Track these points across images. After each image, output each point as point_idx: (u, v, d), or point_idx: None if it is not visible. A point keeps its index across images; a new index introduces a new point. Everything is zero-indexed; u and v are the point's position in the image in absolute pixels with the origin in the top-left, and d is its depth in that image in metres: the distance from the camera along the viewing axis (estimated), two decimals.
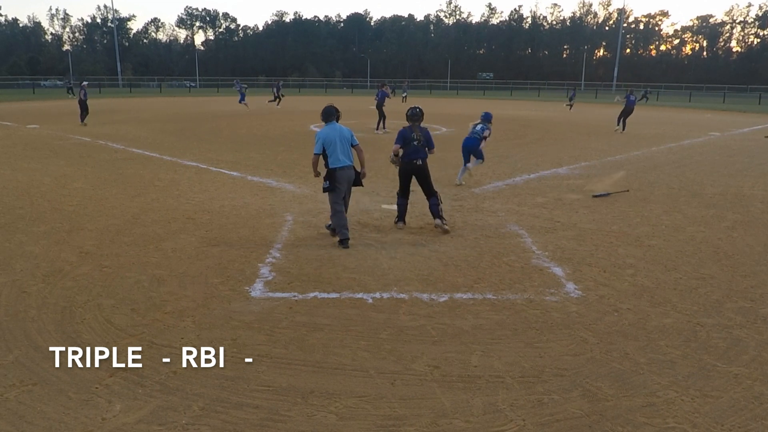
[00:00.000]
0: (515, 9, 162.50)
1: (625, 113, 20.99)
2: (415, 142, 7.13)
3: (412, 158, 7.12)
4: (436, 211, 7.20)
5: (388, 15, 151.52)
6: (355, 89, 79.82)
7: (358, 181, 6.63)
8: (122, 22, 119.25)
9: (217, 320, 4.54)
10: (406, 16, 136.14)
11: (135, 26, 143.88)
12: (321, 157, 6.47)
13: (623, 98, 21.58)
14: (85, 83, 22.59)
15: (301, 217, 7.88)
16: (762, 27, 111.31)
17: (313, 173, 6.72)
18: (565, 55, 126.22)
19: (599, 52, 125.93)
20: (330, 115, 6.54)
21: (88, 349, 3.96)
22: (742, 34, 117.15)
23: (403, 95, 42.80)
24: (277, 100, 35.65)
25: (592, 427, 3.21)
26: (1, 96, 42.70)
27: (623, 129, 21.07)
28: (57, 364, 3.82)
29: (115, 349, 4.03)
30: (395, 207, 7.64)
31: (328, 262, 5.98)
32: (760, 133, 22.41)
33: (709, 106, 44.10)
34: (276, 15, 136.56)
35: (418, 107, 7.44)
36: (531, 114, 31.80)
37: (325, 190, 6.45)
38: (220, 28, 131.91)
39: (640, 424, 3.24)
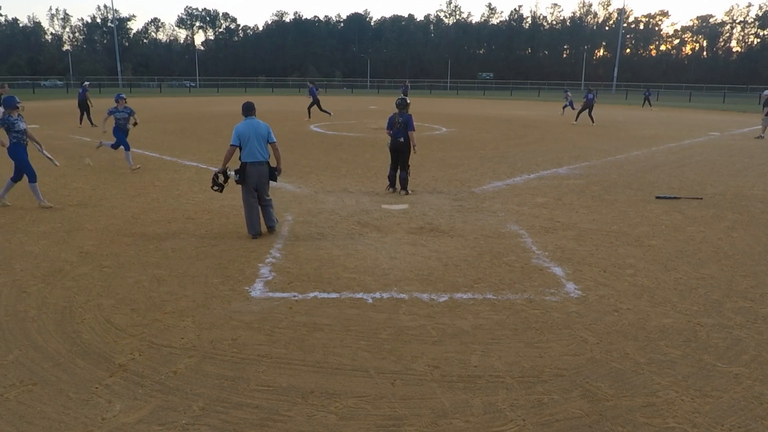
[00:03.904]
0: (515, 9, 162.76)
1: (586, 108, 24.55)
2: (397, 125, 9.26)
3: (396, 137, 9.31)
4: (403, 183, 9.52)
5: (388, 15, 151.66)
6: (355, 89, 79.82)
7: (272, 176, 6.81)
8: (122, 22, 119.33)
9: (217, 320, 4.54)
10: (406, 16, 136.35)
11: (135, 26, 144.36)
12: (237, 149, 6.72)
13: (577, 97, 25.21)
14: (86, 83, 22.45)
15: (301, 217, 7.88)
16: (762, 27, 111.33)
17: (222, 164, 6.92)
18: (565, 55, 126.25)
19: (599, 52, 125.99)
20: (249, 109, 6.72)
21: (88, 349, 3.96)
22: (742, 34, 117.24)
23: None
24: None
25: (592, 427, 3.21)
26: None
27: (592, 122, 24.39)
28: (57, 364, 3.82)
29: (115, 349, 4.04)
30: (395, 207, 8.43)
31: (328, 262, 5.98)
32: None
33: (710, 106, 44.10)
34: (276, 15, 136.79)
35: (405, 98, 9.42)
36: (531, 114, 31.79)
37: (236, 181, 6.71)
38: (220, 28, 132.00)
39: (640, 424, 3.24)
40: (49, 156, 8.52)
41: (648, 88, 49.21)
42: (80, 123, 21.13)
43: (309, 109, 24.84)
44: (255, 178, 6.63)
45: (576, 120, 24.84)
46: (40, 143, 8.43)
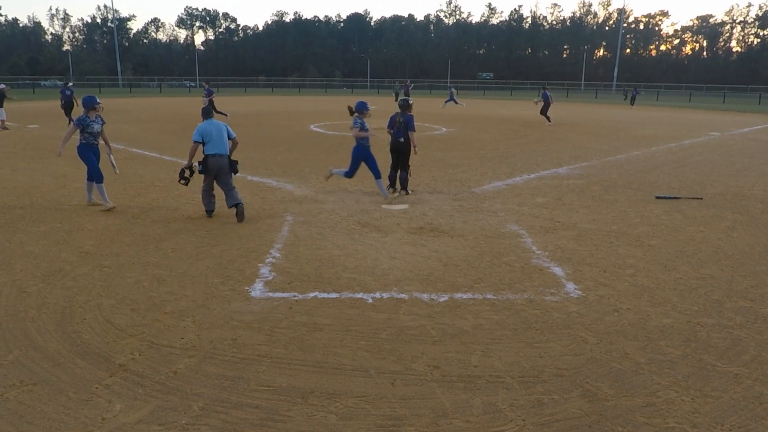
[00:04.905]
0: (515, 9, 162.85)
1: (548, 106, 24.38)
2: (398, 125, 9.24)
3: (396, 137, 9.28)
4: (403, 183, 9.47)
5: (388, 15, 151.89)
6: (355, 89, 79.85)
7: (233, 168, 7.79)
8: (122, 22, 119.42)
9: (217, 320, 4.54)
10: (406, 16, 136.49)
11: (135, 26, 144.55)
12: (201, 146, 7.64)
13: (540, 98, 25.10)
14: (70, 83, 22.58)
15: (301, 217, 7.88)
16: (762, 27, 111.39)
17: (187, 159, 7.79)
18: (565, 55, 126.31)
19: (599, 52, 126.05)
20: (208, 113, 7.88)
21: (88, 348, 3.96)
22: (742, 34, 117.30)
23: (394, 95, 44.17)
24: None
25: (592, 427, 3.21)
26: None
27: (548, 120, 24.37)
28: (57, 364, 3.82)
29: (115, 349, 4.04)
30: (395, 207, 8.54)
31: (328, 262, 5.98)
32: (760, 133, 22.43)
33: (710, 106, 44.10)
34: (276, 15, 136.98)
35: (408, 99, 9.44)
36: (531, 114, 31.78)
37: (200, 172, 7.67)
38: (220, 28, 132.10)
39: (640, 424, 3.23)
40: (114, 162, 8.51)
41: (635, 87, 49.64)
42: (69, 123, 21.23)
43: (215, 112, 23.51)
44: (215, 168, 7.58)
45: (549, 121, 24.29)
46: (110, 147, 8.44)
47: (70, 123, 20.99)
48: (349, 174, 9.08)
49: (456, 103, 35.86)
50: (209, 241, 6.70)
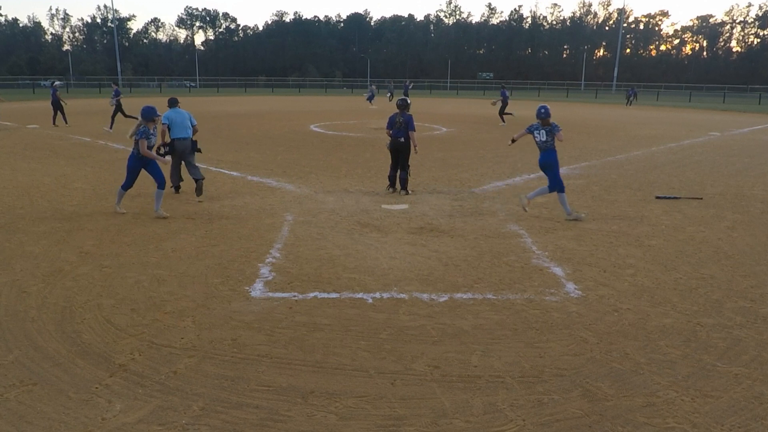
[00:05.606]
0: (515, 9, 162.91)
1: (505, 105, 24.38)
2: (398, 125, 9.33)
3: (396, 137, 9.36)
4: (403, 183, 9.55)
5: (388, 15, 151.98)
6: (355, 89, 79.85)
7: (195, 148, 9.10)
8: (122, 22, 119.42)
9: (217, 320, 4.54)
10: (406, 16, 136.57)
11: (135, 26, 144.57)
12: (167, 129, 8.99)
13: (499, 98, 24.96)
14: (57, 83, 22.45)
15: (301, 217, 7.88)
16: (762, 27, 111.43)
17: (161, 139, 8.92)
18: (565, 55, 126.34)
19: (599, 52, 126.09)
20: (174, 103, 9.31)
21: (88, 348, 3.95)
22: (742, 34, 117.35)
23: (388, 95, 44.82)
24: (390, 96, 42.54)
25: (592, 427, 3.21)
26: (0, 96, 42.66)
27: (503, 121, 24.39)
28: (57, 364, 3.82)
29: (115, 349, 4.03)
30: (395, 207, 8.54)
31: (328, 262, 5.97)
32: (760, 133, 22.43)
33: (710, 106, 44.10)
34: (276, 15, 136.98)
35: (406, 99, 9.59)
36: (531, 114, 31.81)
37: (164, 154, 8.64)
38: (220, 28, 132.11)
39: (640, 424, 3.23)
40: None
41: (632, 88, 50.86)
42: (54, 123, 21.11)
43: (113, 117, 20.03)
44: (181, 149, 8.97)
45: (503, 122, 24.01)
46: None
47: (65, 123, 21.00)
48: (558, 186, 7.82)
49: (370, 103, 36.05)
50: (209, 241, 6.70)
